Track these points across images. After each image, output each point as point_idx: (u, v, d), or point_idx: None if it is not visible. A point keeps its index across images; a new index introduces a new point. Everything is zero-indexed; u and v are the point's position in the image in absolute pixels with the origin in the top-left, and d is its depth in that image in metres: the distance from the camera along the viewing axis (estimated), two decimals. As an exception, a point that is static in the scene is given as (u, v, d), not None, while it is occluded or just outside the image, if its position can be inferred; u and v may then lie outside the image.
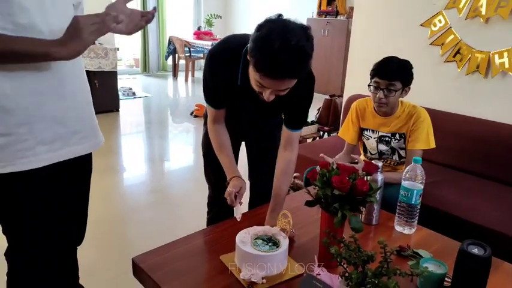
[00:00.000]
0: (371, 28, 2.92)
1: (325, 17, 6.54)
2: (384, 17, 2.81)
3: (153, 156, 3.91)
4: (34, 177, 1.04)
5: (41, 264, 1.16)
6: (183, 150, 4.15)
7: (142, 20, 1.09)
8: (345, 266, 0.97)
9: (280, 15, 1.14)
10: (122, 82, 6.26)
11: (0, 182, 1.01)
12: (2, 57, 0.91)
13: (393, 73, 1.73)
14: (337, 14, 6.45)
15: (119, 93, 5.16)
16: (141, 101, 5.94)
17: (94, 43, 1.09)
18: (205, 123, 1.61)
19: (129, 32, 1.06)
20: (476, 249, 1.02)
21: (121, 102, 5.23)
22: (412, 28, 2.63)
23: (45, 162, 1.06)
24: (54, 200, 1.11)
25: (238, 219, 1.36)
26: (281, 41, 1.04)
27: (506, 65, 2.25)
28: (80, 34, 0.94)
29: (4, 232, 1.12)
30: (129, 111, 5.30)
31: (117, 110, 5.05)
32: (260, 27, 1.10)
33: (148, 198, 2.88)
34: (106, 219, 2.50)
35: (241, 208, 1.39)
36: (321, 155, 1.57)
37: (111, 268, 2.01)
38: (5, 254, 1.17)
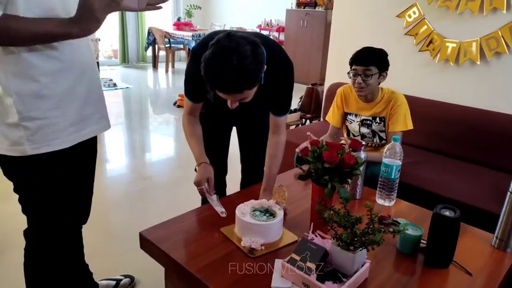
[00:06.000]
0: (350, 19, 3.05)
1: (304, 8, 6.67)
2: (363, 9, 2.95)
3: (140, 145, 3.96)
4: (56, 158, 1.11)
5: (54, 242, 1.24)
6: (167, 140, 4.21)
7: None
8: (335, 229, 1.10)
9: (231, 33, 1.16)
10: (102, 73, 6.21)
11: (23, 163, 1.08)
12: (24, 38, 0.95)
13: (368, 59, 1.92)
14: (315, 5, 6.58)
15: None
16: (122, 92, 5.93)
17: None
18: None
19: (142, 9, 1.05)
20: (447, 212, 1.18)
21: (103, 94, 5.21)
22: (389, 19, 2.78)
23: (73, 141, 1.13)
24: (70, 179, 1.19)
25: (222, 215, 1.37)
26: (222, 62, 1.10)
27: (474, 54, 2.43)
28: (92, 13, 0.94)
29: (24, 212, 1.20)
30: (112, 102, 5.29)
31: (100, 101, 5.03)
32: (210, 46, 1.15)
33: (138, 185, 2.96)
34: (101, 204, 2.56)
35: (219, 202, 1.41)
36: (308, 133, 1.69)
37: (114, 248, 2.10)
38: (24, 233, 1.25)
